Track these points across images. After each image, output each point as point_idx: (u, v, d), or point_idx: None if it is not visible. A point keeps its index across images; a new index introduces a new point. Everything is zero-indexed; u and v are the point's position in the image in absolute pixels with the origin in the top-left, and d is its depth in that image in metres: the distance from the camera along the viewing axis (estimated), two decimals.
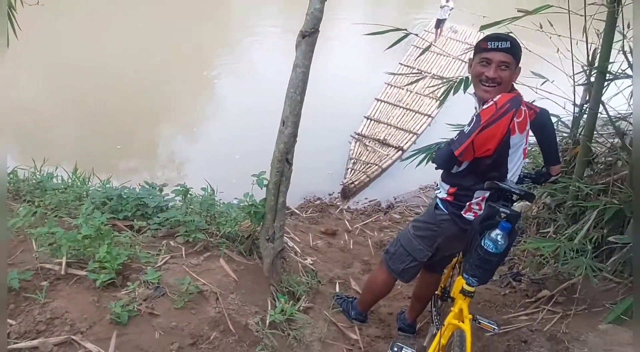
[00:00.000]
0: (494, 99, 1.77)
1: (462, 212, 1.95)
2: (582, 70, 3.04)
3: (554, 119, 3.08)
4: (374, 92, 8.50)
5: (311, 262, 3.50)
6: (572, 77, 3.14)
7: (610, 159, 3.17)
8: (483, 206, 1.91)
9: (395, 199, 6.19)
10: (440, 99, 3.93)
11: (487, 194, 1.90)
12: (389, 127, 7.38)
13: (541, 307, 2.67)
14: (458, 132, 1.86)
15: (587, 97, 3.16)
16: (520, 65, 1.83)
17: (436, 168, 2.03)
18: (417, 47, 10.01)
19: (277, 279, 2.39)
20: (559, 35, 3.26)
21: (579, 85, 3.09)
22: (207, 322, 1.82)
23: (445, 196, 2.00)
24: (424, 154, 3.68)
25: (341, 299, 2.74)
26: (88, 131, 6.64)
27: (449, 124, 4.17)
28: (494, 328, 1.85)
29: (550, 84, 3.32)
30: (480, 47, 1.84)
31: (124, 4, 11.11)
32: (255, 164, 5.83)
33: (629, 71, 2.78)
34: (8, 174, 3.31)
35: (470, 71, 1.92)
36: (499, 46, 1.77)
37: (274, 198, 2.25)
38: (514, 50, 1.78)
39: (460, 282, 1.93)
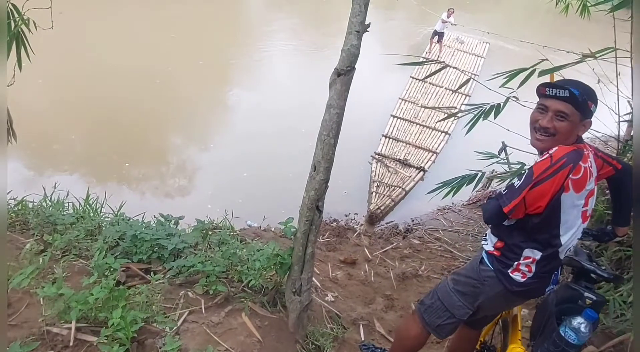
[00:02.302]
0: (550, 152, 1.59)
1: (509, 271, 1.76)
2: (628, 105, 2.84)
3: None
4: (387, 106, 8.35)
5: (332, 298, 3.33)
6: (615, 111, 2.94)
7: None
8: (533, 269, 1.71)
9: (412, 221, 5.99)
10: (469, 126, 3.75)
11: (538, 256, 1.70)
12: (408, 146, 7.21)
13: None
14: (507, 185, 1.68)
15: (632, 133, 2.96)
16: (591, 119, 1.64)
17: (485, 222, 1.86)
18: (427, 60, 9.90)
19: (302, 334, 2.20)
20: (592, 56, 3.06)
21: (623, 121, 2.89)
22: None
23: (492, 249, 1.81)
24: (449, 188, 3.52)
25: (369, 350, 2.54)
26: (98, 144, 6.50)
27: (478, 152, 3.98)
28: None
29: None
30: (539, 92, 1.68)
31: (137, 16, 11.05)
32: (262, 185, 5.68)
33: None
34: (17, 203, 3.17)
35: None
36: (557, 94, 1.60)
37: (302, 248, 2.07)
38: (574, 100, 1.58)
39: None
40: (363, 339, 2.80)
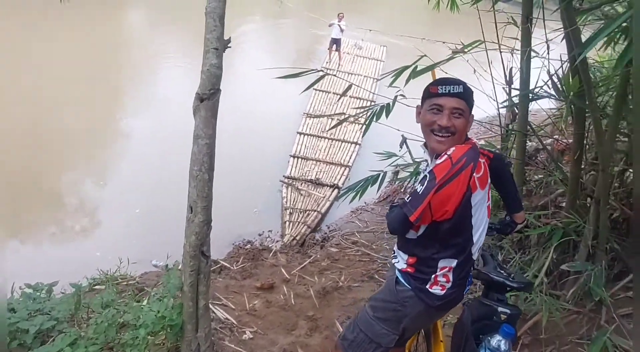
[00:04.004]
0: (448, 153, 1.50)
1: (427, 287, 1.65)
2: (503, 91, 2.94)
3: (482, 143, 2.95)
4: (289, 117, 8.17)
5: (251, 335, 3.07)
6: (493, 98, 3.04)
7: (541, 176, 3.11)
8: (451, 277, 1.62)
9: (328, 227, 5.89)
10: (363, 128, 3.72)
11: (454, 264, 1.61)
12: (318, 163, 6.88)
13: None
14: (410, 193, 1.56)
15: (512, 117, 3.08)
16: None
17: (391, 233, 1.74)
18: (327, 69, 9.93)
19: None
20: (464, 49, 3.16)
21: (502, 107, 2.99)
22: None
23: (405, 266, 1.69)
24: (355, 193, 3.48)
25: None
26: None
27: (377, 153, 3.97)
28: None
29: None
30: (429, 92, 1.58)
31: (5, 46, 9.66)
32: (156, 222, 5.12)
33: (546, 88, 2.70)
34: None
35: (418, 119, 1.64)
36: (451, 91, 1.53)
37: (193, 303, 1.78)
38: (467, 95, 1.54)
39: None
40: None
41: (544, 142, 2.98)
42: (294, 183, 6.46)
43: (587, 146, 2.52)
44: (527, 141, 3.31)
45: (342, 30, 10.74)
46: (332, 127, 4.32)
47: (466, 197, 1.51)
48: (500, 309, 1.34)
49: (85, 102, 8.17)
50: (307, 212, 5.92)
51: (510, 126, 3.05)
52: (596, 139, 2.16)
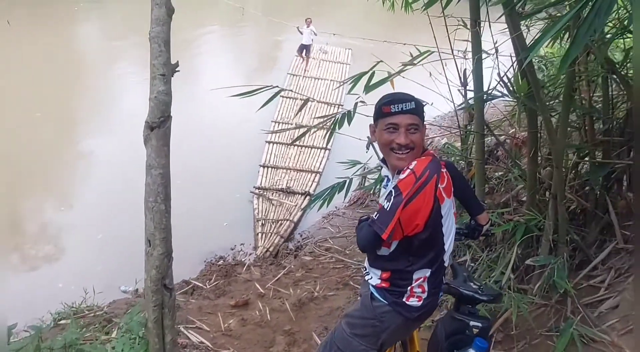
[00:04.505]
0: (410, 167, 1.51)
1: (404, 300, 1.64)
2: (459, 92, 3.00)
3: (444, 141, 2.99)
4: (258, 126, 8.04)
5: None
6: (450, 100, 3.09)
7: (501, 173, 3.19)
8: (426, 287, 1.62)
9: (301, 235, 5.87)
10: (327, 136, 3.74)
11: (428, 273, 1.62)
12: (288, 171, 6.83)
13: None
14: (378, 210, 1.55)
15: (469, 117, 3.14)
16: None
17: (362, 251, 1.74)
18: (293, 75, 9.87)
19: None
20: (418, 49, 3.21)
21: (459, 109, 3.04)
22: None
23: (379, 282, 1.68)
24: (322, 201, 3.48)
25: None
26: None
27: (340, 163, 3.99)
28: None
29: (431, 107, 3.26)
30: (382, 112, 1.58)
31: None
32: (121, 246, 4.91)
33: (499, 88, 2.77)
34: None
35: (374, 138, 1.65)
36: (404, 108, 1.54)
37: (159, 339, 1.72)
38: (419, 109, 1.56)
39: None
40: None
41: (501, 139, 3.05)
42: (265, 193, 6.41)
43: (541, 141, 2.59)
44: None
45: (315, 34, 10.67)
46: (296, 139, 4.29)
47: (435, 209, 1.52)
48: (472, 323, 1.37)
49: (39, 122, 7.81)
50: (280, 222, 5.87)
51: (468, 127, 3.11)
52: (548, 137, 2.23)
